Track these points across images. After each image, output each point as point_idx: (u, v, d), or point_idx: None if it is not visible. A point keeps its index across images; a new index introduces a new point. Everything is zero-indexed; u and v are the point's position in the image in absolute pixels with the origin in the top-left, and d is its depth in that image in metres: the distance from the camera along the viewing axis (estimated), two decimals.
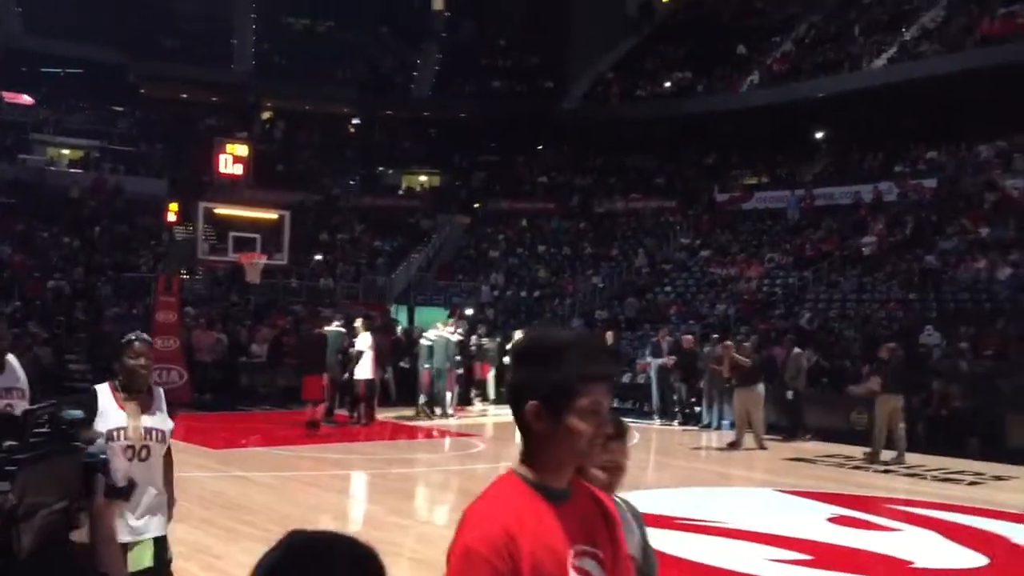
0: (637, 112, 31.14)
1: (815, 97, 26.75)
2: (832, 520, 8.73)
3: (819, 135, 28.96)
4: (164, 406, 3.98)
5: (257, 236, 19.62)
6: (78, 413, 1.71)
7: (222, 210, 20.94)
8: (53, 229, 25.32)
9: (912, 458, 12.85)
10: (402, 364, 18.71)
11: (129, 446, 3.76)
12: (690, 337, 17.66)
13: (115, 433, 3.73)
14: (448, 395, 16.77)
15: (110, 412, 3.79)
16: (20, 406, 3.29)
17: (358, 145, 35.82)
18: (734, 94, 29.33)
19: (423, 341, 16.84)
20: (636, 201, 29.94)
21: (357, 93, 34.69)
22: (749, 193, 27.93)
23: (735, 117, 27.99)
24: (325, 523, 8.09)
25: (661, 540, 7.77)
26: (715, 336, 17.22)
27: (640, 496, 10.04)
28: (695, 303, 23.26)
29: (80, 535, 1.72)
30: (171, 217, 27.54)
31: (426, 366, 16.47)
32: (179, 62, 32.90)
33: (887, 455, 12.56)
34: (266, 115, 36.08)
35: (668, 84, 32.10)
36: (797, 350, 15.71)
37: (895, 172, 25.34)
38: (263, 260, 19.49)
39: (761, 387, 13.82)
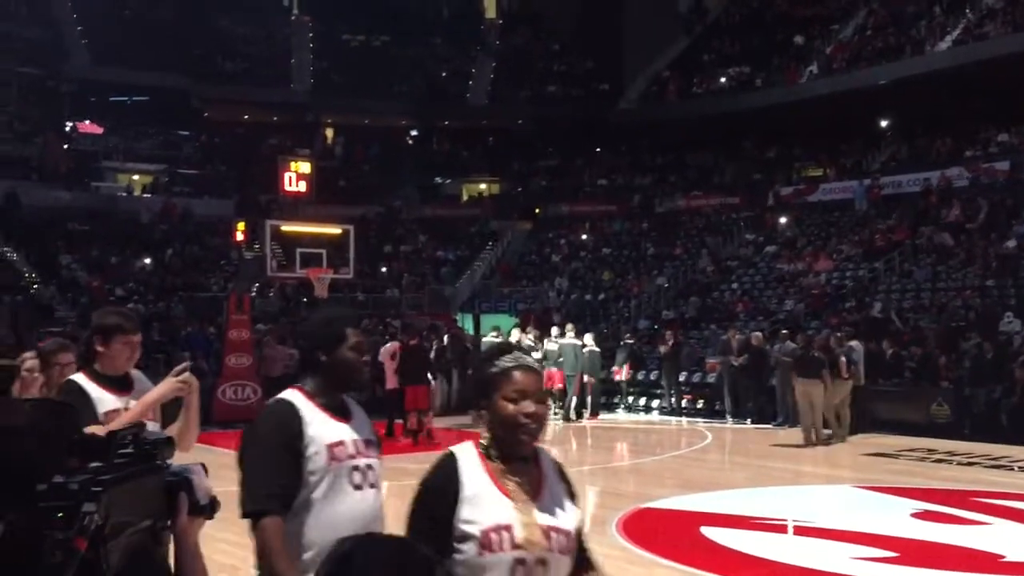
0: (694, 109, 30.87)
1: (877, 84, 26.22)
2: (916, 515, 8.53)
3: (884, 123, 28.36)
4: None
5: (323, 251, 19.91)
6: (161, 434, 1.75)
7: (288, 227, 21.31)
8: (126, 253, 26.02)
9: (997, 449, 12.49)
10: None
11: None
12: (759, 334, 17.41)
13: None
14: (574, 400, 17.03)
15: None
16: (152, 424, 3.31)
17: (417, 156, 36.13)
18: (793, 86, 28.90)
19: (549, 345, 16.99)
20: (698, 199, 29.66)
21: (414, 105, 35.02)
22: (814, 185, 27.47)
23: (795, 109, 27.55)
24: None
25: (741, 540, 7.68)
26: (784, 332, 16.95)
27: (717, 497, 9.96)
28: (763, 300, 22.94)
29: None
30: (239, 236, 28.09)
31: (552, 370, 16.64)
32: (240, 84, 33.61)
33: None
34: (327, 132, 36.61)
35: (724, 80, 31.78)
36: (853, 343, 15.39)
37: (965, 156, 24.71)
38: (330, 274, 19.76)
39: (823, 379, 13.50)
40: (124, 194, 29.71)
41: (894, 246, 22.23)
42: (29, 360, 4.08)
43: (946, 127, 25.72)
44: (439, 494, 2.17)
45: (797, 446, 13.60)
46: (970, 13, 26.15)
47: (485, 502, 2.15)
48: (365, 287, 26.22)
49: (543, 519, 2.18)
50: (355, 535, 1.41)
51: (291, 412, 2.74)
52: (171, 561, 1.88)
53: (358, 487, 2.77)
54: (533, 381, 2.24)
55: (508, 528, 2.13)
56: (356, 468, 2.77)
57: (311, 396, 2.82)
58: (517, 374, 2.23)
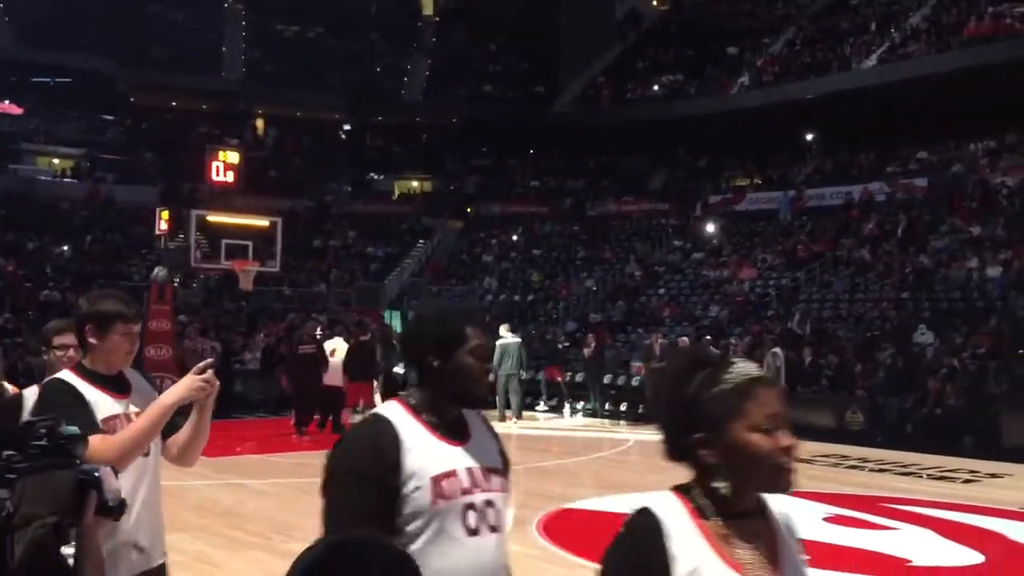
0: (628, 115, 31.21)
1: (805, 98, 26.84)
2: (828, 519, 8.74)
3: (810, 136, 29.06)
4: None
5: (250, 243, 19.62)
6: (75, 428, 1.74)
7: (214, 217, 20.92)
8: (44, 239, 25.26)
9: (908, 457, 12.88)
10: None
11: None
12: (686, 339, 17.69)
13: None
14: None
15: None
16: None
17: (350, 151, 35.81)
18: (725, 96, 29.43)
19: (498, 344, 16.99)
20: (629, 204, 30.01)
21: (348, 99, 34.70)
22: (741, 194, 28.01)
23: (726, 119, 28.08)
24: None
25: None
26: (707, 338, 17.26)
27: (637, 499, 10.03)
28: (688, 305, 23.30)
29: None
30: (163, 225, 27.48)
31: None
32: (169, 71, 32.89)
33: None
34: (257, 122, 36.05)
35: (658, 87, 32.19)
36: (775, 350, 15.89)
37: (886, 172, 25.45)
38: (256, 267, 19.47)
39: None
40: (44, 178, 28.83)
41: (815, 257, 22.79)
42: None
43: (869, 143, 26.47)
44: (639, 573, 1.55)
45: None
46: (895, 33, 26.94)
47: None
48: (292, 281, 25.89)
49: None
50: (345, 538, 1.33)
51: (387, 435, 2.15)
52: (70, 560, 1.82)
53: (474, 532, 2.17)
54: (782, 402, 1.70)
55: None
56: (471, 507, 2.18)
57: (417, 412, 2.22)
58: (764, 393, 1.65)
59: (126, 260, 25.44)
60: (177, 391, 2.94)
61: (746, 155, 29.26)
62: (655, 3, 37.82)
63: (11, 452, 1.59)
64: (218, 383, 3.02)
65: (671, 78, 32.05)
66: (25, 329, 19.93)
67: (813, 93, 26.71)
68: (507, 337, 17.17)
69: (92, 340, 2.96)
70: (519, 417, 17.03)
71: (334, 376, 14.39)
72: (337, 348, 14.69)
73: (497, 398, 16.91)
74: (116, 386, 3.00)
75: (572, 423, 18.17)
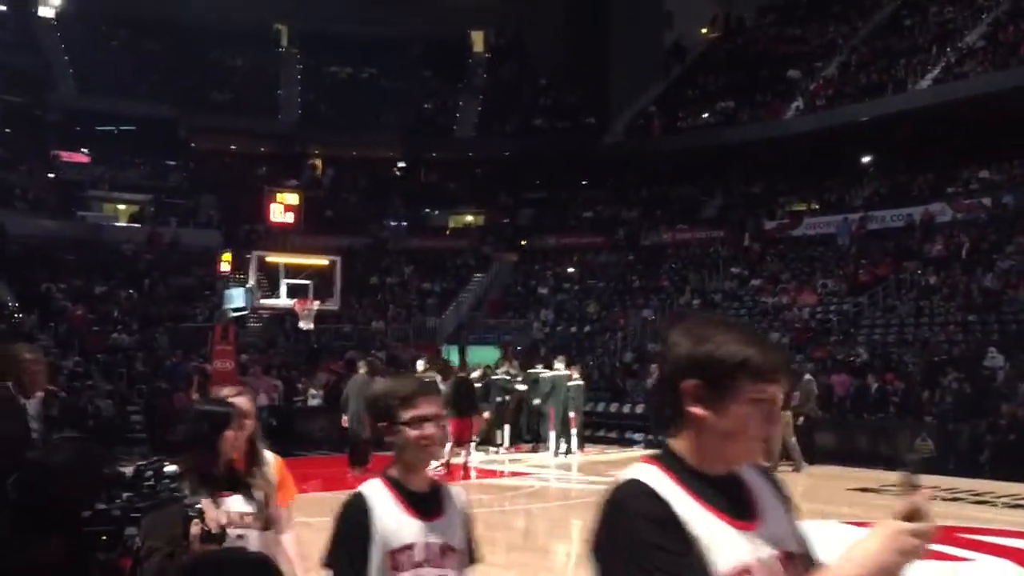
0: (680, 143, 31.13)
1: (859, 121, 26.54)
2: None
3: (866, 159, 28.68)
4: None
5: (309, 282, 19.85)
6: (175, 468, 1.98)
7: (274, 258, 21.23)
8: (111, 283, 25.91)
9: (981, 485, 12.52)
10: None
11: None
12: None
13: None
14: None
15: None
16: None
17: (404, 188, 36.24)
18: (777, 121, 29.22)
19: (543, 376, 16.95)
20: (683, 232, 29.84)
21: (402, 137, 35.18)
22: (797, 220, 27.69)
23: (779, 144, 27.85)
24: None
25: None
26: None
27: None
28: None
29: None
30: (225, 267, 28.04)
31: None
32: (227, 114, 33.68)
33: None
34: (314, 162, 36.70)
35: (707, 115, 32.09)
36: (808, 377, 15.75)
37: (946, 193, 24.98)
38: (316, 306, 19.69)
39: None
40: (110, 224, 29.63)
41: (878, 281, 22.40)
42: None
43: (928, 164, 26.03)
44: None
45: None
46: (951, 52, 26.55)
47: None
48: (351, 318, 26.17)
49: None
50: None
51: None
52: None
53: None
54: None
55: None
56: None
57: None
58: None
59: (190, 302, 25.97)
60: None
61: (801, 180, 28.94)
62: (704, 31, 37.84)
63: (129, 493, 1.81)
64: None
65: (723, 105, 31.94)
66: (94, 372, 20.44)
67: (868, 115, 26.39)
68: (560, 370, 17.09)
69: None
70: (568, 452, 16.86)
71: None
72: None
73: (551, 432, 16.78)
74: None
75: (631, 455, 18.00)
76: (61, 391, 18.36)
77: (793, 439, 14.63)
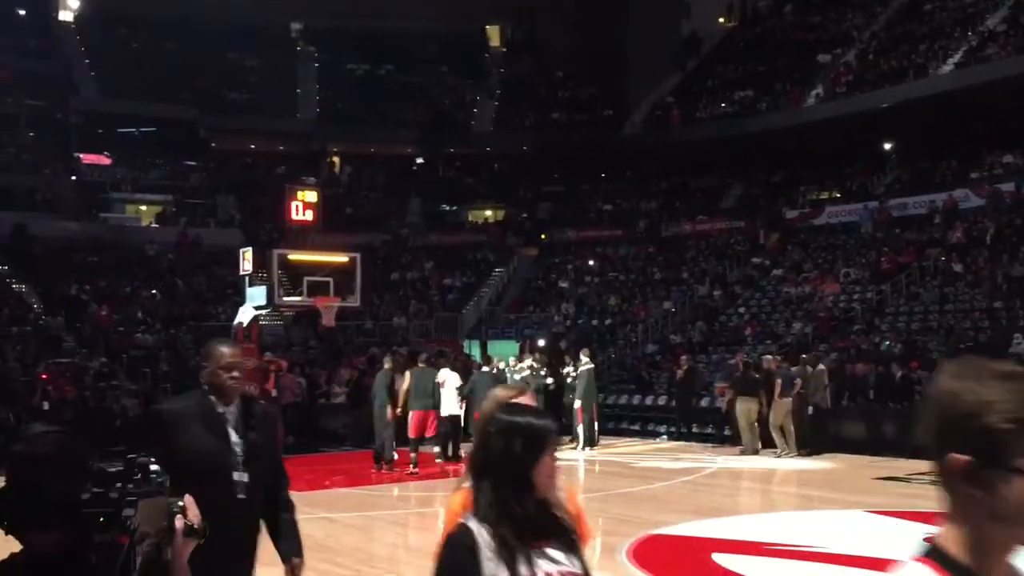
0: (698, 134, 30.97)
1: (880, 107, 26.30)
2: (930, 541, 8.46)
3: (888, 145, 28.41)
4: None
5: (330, 279, 19.91)
6: (159, 467, 2.01)
7: (295, 256, 21.33)
8: (135, 283, 26.10)
9: None
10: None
11: None
12: (769, 358, 17.34)
13: None
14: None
15: None
16: None
17: (423, 183, 36.30)
18: (797, 109, 29.01)
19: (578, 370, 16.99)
20: (703, 223, 29.68)
21: (419, 133, 35.23)
22: (819, 208, 27.50)
23: (800, 133, 27.64)
24: (412, 561, 8.13)
25: (754, 567, 7.63)
26: (802, 356, 17.04)
27: (728, 523, 9.91)
28: (770, 323, 22.90)
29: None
30: (246, 266, 28.15)
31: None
32: (246, 114, 33.87)
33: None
34: (333, 160, 36.83)
35: (726, 105, 31.90)
36: (821, 367, 16.19)
37: (970, 178, 24.73)
38: (338, 303, 19.76)
39: (759, 398, 15.69)
40: (132, 224, 29.86)
41: (901, 269, 22.20)
42: None
43: (950, 149, 25.75)
44: None
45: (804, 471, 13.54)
46: (972, 36, 26.26)
47: None
48: (372, 315, 26.24)
49: None
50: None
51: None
52: None
53: None
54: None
55: None
56: None
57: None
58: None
59: (212, 301, 26.12)
60: None
61: (822, 168, 28.71)
62: (721, 20, 37.61)
63: (120, 484, 1.87)
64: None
65: (741, 94, 31.75)
66: (120, 372, 20.60)
67: (889, 101, 26.15)
68: (585, 362, 17.10)
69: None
70: (593, 445, 16.88)
71: (450, 406, 14.60)
72: (447, 379, 14.86)
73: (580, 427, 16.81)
74: None
75: (656, 446, 17.96)
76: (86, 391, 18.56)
77: (792, 426, 15.43)
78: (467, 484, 2.24)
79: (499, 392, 2.67)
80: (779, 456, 15.35)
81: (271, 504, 3.66)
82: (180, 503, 2.01)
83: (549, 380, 17.79)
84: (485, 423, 2.26)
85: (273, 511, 3.67)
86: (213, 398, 3.57)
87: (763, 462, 15.13)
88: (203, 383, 3.61)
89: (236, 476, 3.48)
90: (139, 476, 1.91)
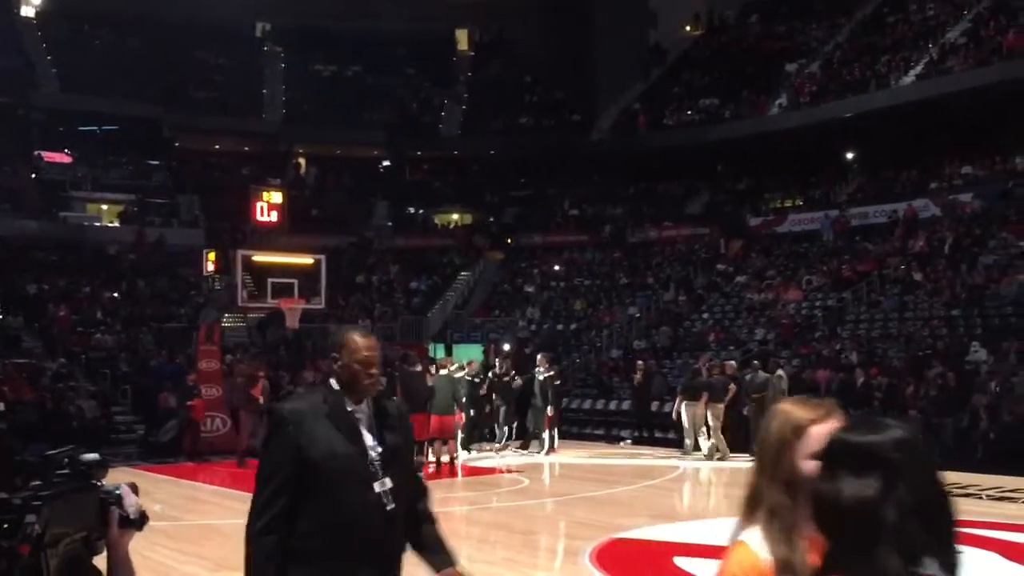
0: (665, 140, 31.19)
1: (844, 117, 26.65)
2: None
3: (850, 155, 28.81)
4: None
5: (295, 281, 19.81)
6: (94, 456, 1.98)
7: (259, 257, 21.19)
8: (95, 283, 25.75)
9: (966, 477, 12.60)
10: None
11: None
12: (732, 363, 17.50)
13: None
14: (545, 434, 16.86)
15: None
16: None
17: (389, 186, 36.17)
18: (762, 118, 29.31)
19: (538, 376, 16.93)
20: (669, 229, 29.90)
21: (387, 135, 35.11)
22: (783, 216, 27.80)
23: (764, 141, 27.94)
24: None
25: (715, 570, 7.68)
26: (755, 363, 17.11)
27: (690, 527, 9.96)
28: (734, 329, 23.10)
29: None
30: (210, 267, 27.90)
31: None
32: (211, 114, 33.53)
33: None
34: (299, 161, 36.59)
35: (690, 112, 32.14)
36: (779, 372, 16.16)
37: (930, 188, 25.14)
38: (302, 305, 19.66)
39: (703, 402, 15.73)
40: (93, 224, 29.45)
41: (861, 276, 22.51)
42: None
43: (911, 160, 26.16)
44: None
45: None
46: (933, 48, 26.70)
47: None
48: (337, 317, 26.08)
49: None
50: None
51: None
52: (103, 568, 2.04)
53: None
54: None
55: None
56: None
57: None
58: None
59: (174, 302, 25.84)
60: None
61: (786, 176, 29.05)
62: (688, 28, 37.91)
63: (37, 482, 1.84)
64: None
65: (707, 102, 32.01)
66: (78, 372, 20.31)
67: (852, 111, 26.52)
68: (541, 371, 17.05)
69: None
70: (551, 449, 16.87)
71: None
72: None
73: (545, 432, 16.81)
74: None
75: (619, 451, 18.03)
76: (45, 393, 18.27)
77: (720, 433, 15.69)
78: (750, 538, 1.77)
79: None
80: (709, 458, 15.63)
81: (411, 514, 3.22)
82: (117, 492, 1.97)
83: (518, 381, 17.77)
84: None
85: (415, 521, 3.24)
86: (343, 395, 3.14)
87: (727, 465, 15.24)
88: (331, 376, 3.17)
89: (377, 484, 3.05)
90: (65, 472, 1.88)
